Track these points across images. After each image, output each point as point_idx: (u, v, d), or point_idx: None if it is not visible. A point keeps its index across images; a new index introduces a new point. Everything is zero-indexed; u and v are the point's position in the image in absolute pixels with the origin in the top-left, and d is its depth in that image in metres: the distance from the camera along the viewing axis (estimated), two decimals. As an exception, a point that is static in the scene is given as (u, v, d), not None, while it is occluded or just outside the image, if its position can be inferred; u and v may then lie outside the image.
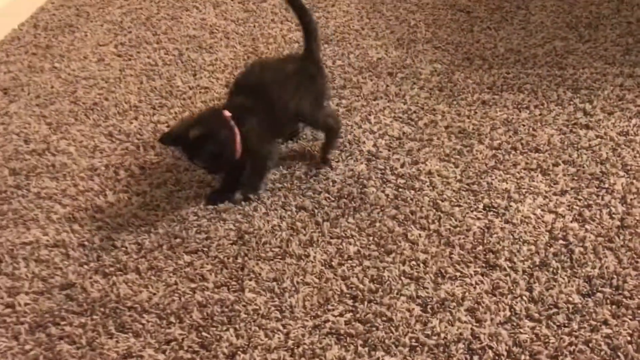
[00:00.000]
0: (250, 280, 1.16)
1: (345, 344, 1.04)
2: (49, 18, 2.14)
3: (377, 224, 1.25)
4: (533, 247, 1.17)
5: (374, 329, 1.06)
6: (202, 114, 1.36)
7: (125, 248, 1.24)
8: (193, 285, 1.15)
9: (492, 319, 1.05)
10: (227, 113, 1.29)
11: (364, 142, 1.47)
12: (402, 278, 1.14)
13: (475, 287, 1.11)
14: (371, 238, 1.22)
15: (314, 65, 1.41)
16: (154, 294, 1.14)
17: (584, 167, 1.34)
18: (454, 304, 1.08)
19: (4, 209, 1.36)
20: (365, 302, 1.10)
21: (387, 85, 1.67)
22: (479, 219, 1.24)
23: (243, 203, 1.32)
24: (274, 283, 1.15)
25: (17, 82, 1.80)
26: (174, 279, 1.17)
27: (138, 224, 1.29)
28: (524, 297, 1.08)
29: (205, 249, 1.23)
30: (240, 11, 2.10)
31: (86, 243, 1.25)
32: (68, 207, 1.35)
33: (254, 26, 2.01)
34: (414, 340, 1.03)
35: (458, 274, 1.13)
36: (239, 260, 1.20)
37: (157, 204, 1.34)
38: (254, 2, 2.16)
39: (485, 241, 1.19)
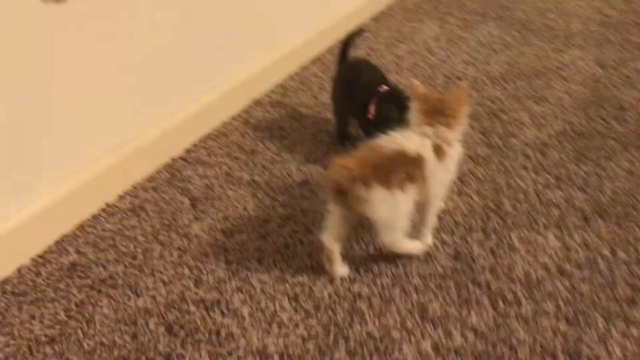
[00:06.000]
0: None
1: None
2: (261, 116, 1.91)
3: None
4: None
5: None
6: None
7: None
8: None
9: None
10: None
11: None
12: None
13: None
14: None
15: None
16: None
17: None
18: None
19: None
20: None
21: None
22: None
23: None
24: None
25: (209, 194, 1.54)
26: None
27: None
28: None
29: None
30: (482, 145, 1.67)
31: None
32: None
33: (498, 170, 1.56)
34: None
35: None
36: None
37: None
38: (500, 135, 1.71)
39: None
